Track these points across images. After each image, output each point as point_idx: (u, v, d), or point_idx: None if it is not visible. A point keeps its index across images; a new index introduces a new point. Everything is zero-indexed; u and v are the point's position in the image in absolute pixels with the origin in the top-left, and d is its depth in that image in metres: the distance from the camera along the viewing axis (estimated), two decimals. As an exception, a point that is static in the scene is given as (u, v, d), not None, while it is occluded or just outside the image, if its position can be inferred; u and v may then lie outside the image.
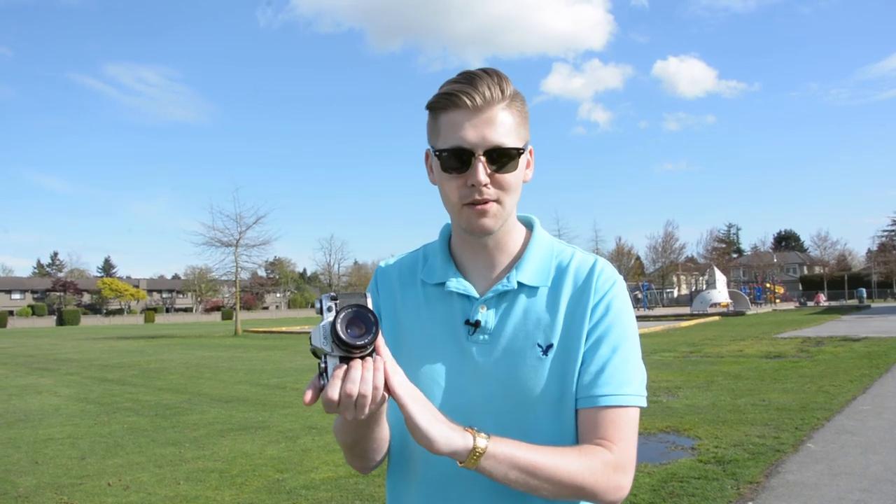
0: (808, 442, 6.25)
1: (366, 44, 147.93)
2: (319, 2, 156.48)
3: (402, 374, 0.97)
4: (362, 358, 0.93)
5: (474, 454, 0.97)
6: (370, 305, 0.95)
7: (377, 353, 0.95)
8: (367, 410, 0.93)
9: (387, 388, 0.94)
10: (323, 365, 0.94)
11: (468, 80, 1.08)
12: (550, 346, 1.12)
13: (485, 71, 1.10)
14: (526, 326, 1.14)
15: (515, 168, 1.10)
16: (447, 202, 1.14)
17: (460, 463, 0.98)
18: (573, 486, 1.02)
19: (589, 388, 1.10)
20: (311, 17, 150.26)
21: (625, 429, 1.09)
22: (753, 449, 5.95)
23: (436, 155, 1.11)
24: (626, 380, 1.10)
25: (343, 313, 0.92)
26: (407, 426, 0.97)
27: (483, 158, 1.07)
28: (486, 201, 1.09)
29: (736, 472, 5.23)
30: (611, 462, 1.05)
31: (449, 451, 0.96)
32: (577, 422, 1.11)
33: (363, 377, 0.92)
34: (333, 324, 0.91)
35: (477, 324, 1.15)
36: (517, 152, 1.09)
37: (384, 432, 1.14)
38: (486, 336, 1.14)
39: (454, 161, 1.08)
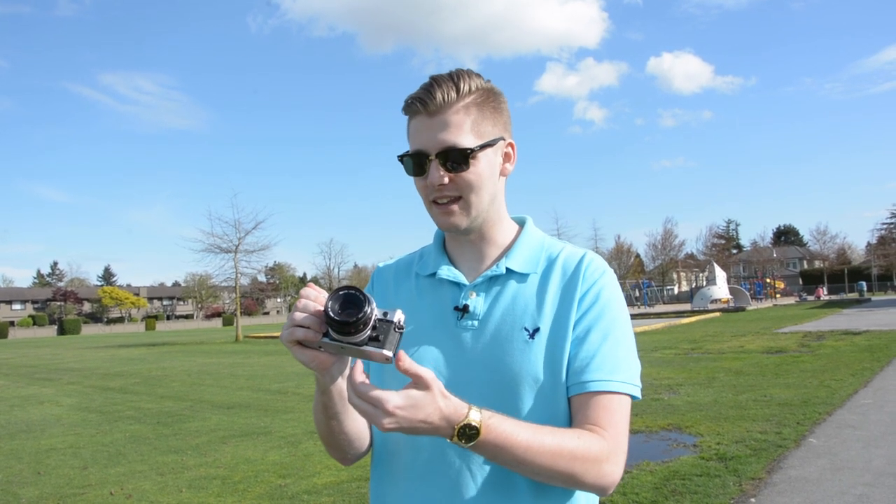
0: (810, 437, 6.25)
1: (358, 47, 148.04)
2: (312, 6, 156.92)
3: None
4: (358, 345, 0.92)
5: (461, 441, 0.96)
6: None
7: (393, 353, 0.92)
8: (296, 336, 0.94)
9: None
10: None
11: (425, 87, 1.13)
12: (537, 329, 1.12)
13: (448, 74, 1.14)
14: (514, 311, 1.15)
15: (472, 166, 1.12)
16: (423, 202, 1.19)
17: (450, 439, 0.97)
18: (562, 472, 1.02)
19: (579, 375, 1.10)
20: (304, 21, 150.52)
21: (616, 415, 1.08)
22: (755, 445, 5.95)
23: (400, 160, 1.16)
24: (616, 367, 1.10)
25: (335, 294, 0.92)
26: None
27: (436, 160, 1.11)
28: (448, 199, 1.14)
29: (738, 469, 5.23)
30: (601, 449, 1.04)
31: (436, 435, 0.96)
32: (570, 410, 1.11)
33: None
34: (326, 303, 0.91)
35: (465, 308, 1.16)
36: (470, 152, 1.11)
37: (356, 423, 1.15)
38: (475, 322, 1.15)
39: (413, 165, 1.15)
